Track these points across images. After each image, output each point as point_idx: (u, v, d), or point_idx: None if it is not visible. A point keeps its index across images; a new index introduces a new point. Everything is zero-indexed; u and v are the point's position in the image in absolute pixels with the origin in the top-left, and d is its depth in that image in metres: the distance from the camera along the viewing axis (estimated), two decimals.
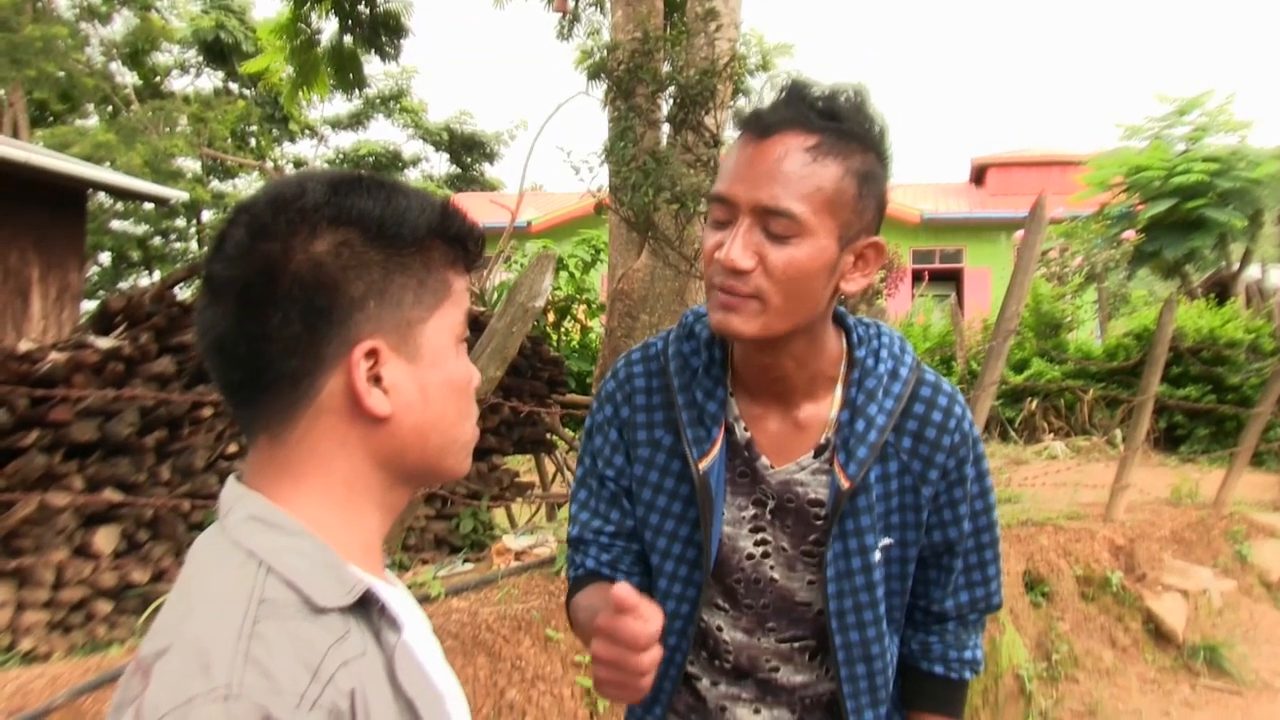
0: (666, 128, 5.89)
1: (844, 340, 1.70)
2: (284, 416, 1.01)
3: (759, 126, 1.50)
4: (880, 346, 1.70)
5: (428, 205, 1.06)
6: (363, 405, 1.00)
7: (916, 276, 25.13)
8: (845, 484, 1.61)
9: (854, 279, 1.57)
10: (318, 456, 1.01)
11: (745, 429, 1.68)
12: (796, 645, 1.75)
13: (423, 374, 1.04)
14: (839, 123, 1.49)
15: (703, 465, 1.65)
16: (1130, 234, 18.19)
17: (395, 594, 1.08)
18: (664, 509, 1.72)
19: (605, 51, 6.33)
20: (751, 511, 1.69)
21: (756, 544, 1.70)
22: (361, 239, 1.00)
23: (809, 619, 1.73)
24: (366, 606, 0.98)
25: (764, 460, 1.67)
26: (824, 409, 1.67)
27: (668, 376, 1.72)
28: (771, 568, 1.71)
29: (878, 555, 1.67)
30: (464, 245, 1.09)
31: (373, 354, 1.00)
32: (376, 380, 1.01)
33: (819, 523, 1.67)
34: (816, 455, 1.66)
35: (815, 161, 1.47)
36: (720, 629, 1.76)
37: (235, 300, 0.98)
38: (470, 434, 1.13)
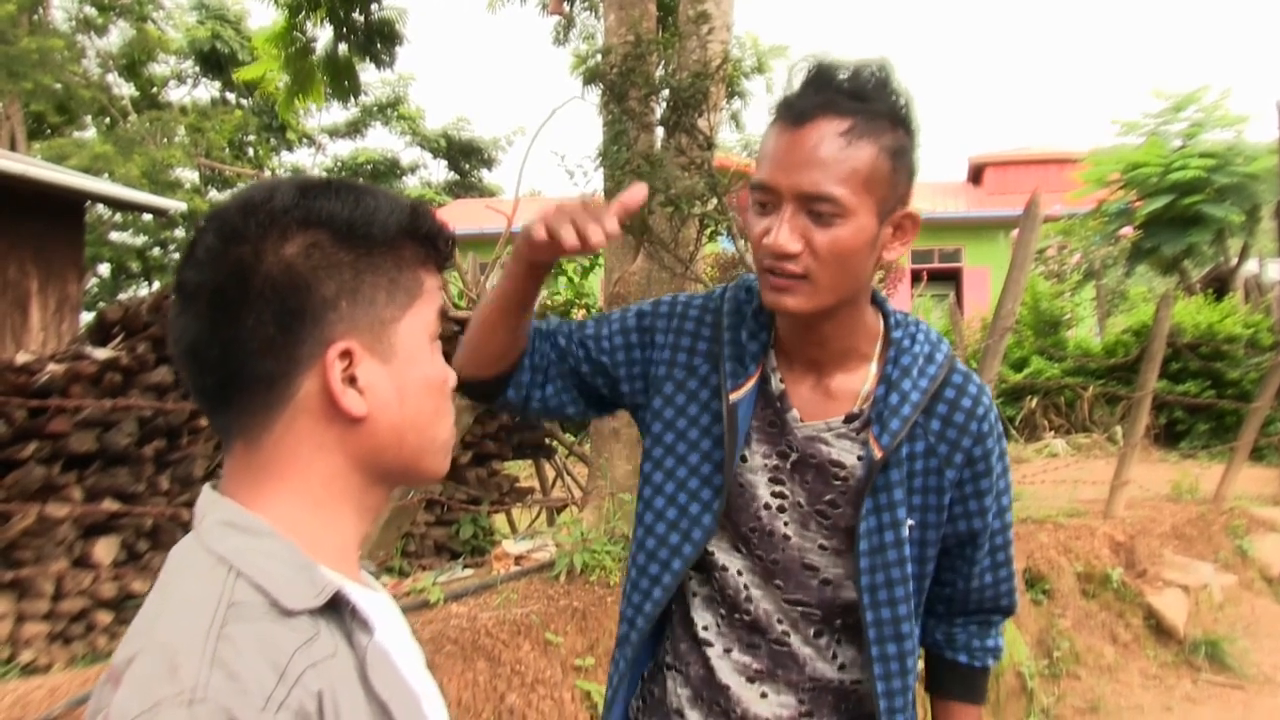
0: (660, 131, 5.89)
1: (881, 323, 1.77)
2: (259, 420, 1.01)
3: (792, 114, 1.57)
4: (918, 332, 1.77)
5: (397, 206, 1.06)
6: (339, 406, 1.00)
7: (915, 276, 25.11)
8: (878, 454, 1.67)
9: (894, 248, 1.66)
10: (294, 459, 1.01)
11: (781, 381, 1.74)
12: (800, 610, 1.76)
13: (398, 373, 1.04)
14: (868, 103, 1.56)
15: (734, 397, 1.71)
16: (1128, 230, 18.20)
17: (370, 596, 1.07)
18: (684, 433, 1.77)
19: (599, 56, 6.33)
20: (774, 462, 1.74)
21: (774, 495, 1.74)
22: (332, 240, 1.00)
23: (813, 585, 1.75)
24: (338, 608, 0.98)
25: (794, 413, 1.73)
26: (856, 381, 1.73)
27: (720, 316, 1.79)
28: (786, 523, 1.74)
29: (906, 531, 1.71)
30: (434, 244, 1.09)
31: (347, 354, 1.00)
32: (352, 381, 1.01)
33: (837, 483, 1.71)
34: (847, 422, 1.71)
35: (850, 145, 1.54)
36: (740, 573, 1.78)
37: (208, 305, 0.98)
38: (448, 433, 1.13)
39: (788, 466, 1.73)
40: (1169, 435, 12.34)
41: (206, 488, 1.04)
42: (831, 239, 1.54)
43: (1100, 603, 6.19)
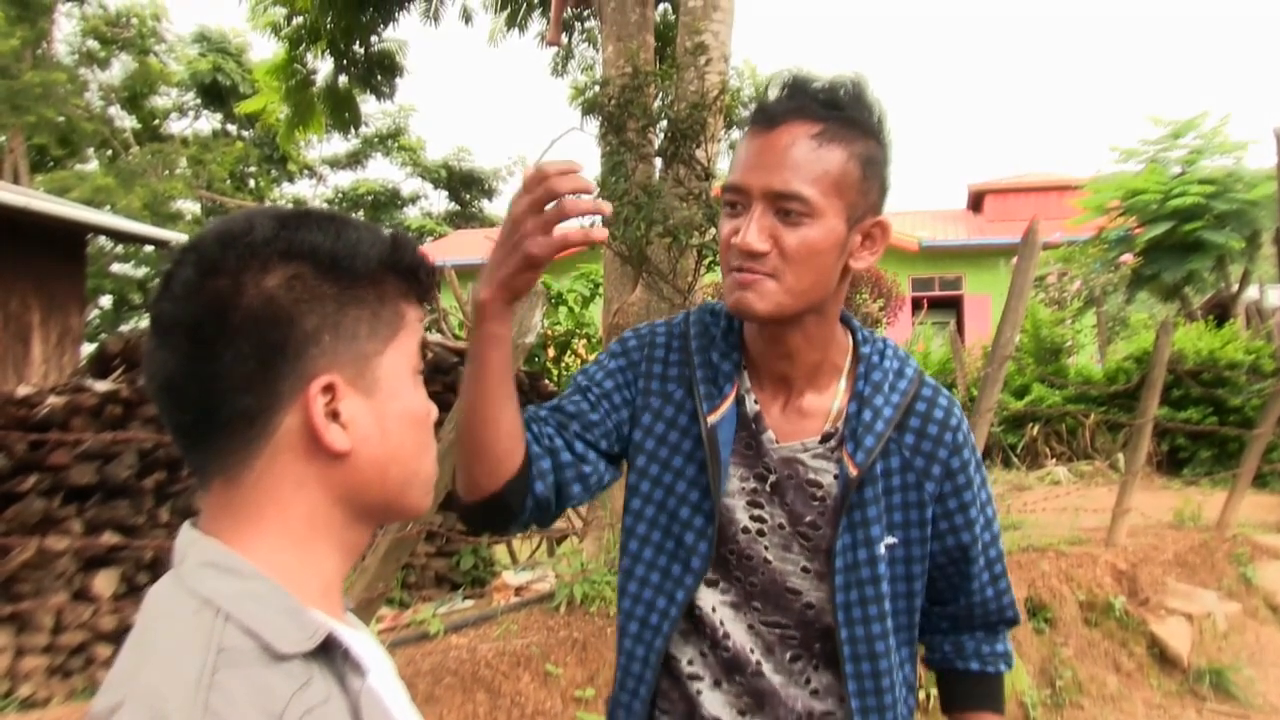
0: (659, 162, 5.91)
1: (850, 339, 1.78)
2: (239, 457, 0.97)
3: (765, 118, 1.60)
4: (886, 348, 1.78)
5: (378, 237, 1.04)
6: (321, 442, 0.97)
7: (916, 304, 25.12)
8: (854, 471, 1.66)
9: (862, 257, 1.66)
10: (275, 497, 0.98)
11: (755, 402, 1.73)
12: (778, 633, 1.75)
13: (380, 407, 1.02)
14: (840, 111, 1.59)
15: (712, 419, 1.70)
16: (1128, 257, 18.20)
17: (358, 637, 1.05)
18: (667, 462, 1.75)
19: (597, 87, 6.36)
20: (752, 485, 1.72)
21: (753, 519, 1.73)
22: (313, 272, 0.98)
23: (795, 609, 1.74)
24: (329, 651, 0.95)
25: (770, 434, 1.72)
26: (827, 400, 1.73)
27: (687, 340, 1.78)
28: (766, 547, 1.73)
29: (883, 550, 1.70)
30: (415, 276, 1.07)
31: (329, 389, 0.98)
32: (334, 416, 0.98)
33: (816, 504, 1.70)
34: (823, 441, 1.71)
35: (821, 147, 1.56)
36: (714, 609, 1.76)
37: (186, 339, 0.96)
38: (430, 467, 1.10)
39: (766, 489, 1.72)
40: (1171, 462, 12.31)
41: (186, 525, 1.01)
42: (800, 238, 1.56)
43: (1103, 631, 6.16)
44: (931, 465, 1.72)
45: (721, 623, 1.75)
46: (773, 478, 1.72)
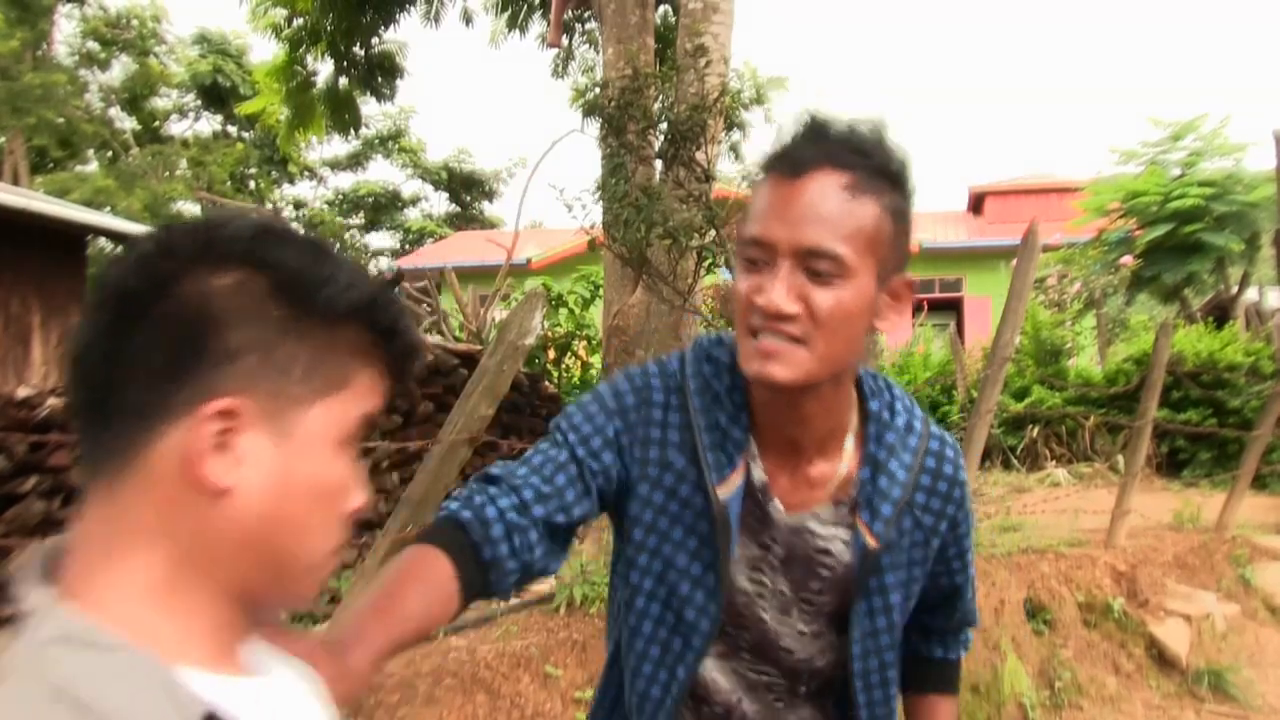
0: (659, 164, 5.93)
1: (854, 391, 1.66)
2: (121, 462, 0.85)
3: (789, 165, 1.44)
4: (894, 401, 1.67)
5: (357, 284, 0.92)
6: (197, 468, 0.84)
7: (916, 306, 25.12)
8: (873, 543, 1.59)
9: (888, 316, 1.52)
10: (146, 527, 0.85)
11: (764, 471, 1.61)
12: (765, 680, 1.70)
13: (287, 460, 0.88)
14: (868, 159, 1.44)
15: (722, 494, 1.57)
16: (1128, 259, 18.19)
17: (259, 686, 0.93)
18: (666, 534, 1.62)
19: (598, 89, 6.38)
20: (754, 552, 1.63)
21: (752, 583, 1.64)
22: (267, 288, 0.88)
23: (786, 663, 1.69)
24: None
25: (776, 503, 1.61)
26: (836, 463, 1.62)
27: (686, 397, 1.62)
28: (763, 610, 1.65)
29: (898, 616, 1.67)
30: (388, 340, 0.95)
31: (230, 414, 0.84)
32: (225, 448, 0.85)
33: (824, 572, 1.63)
34: (835, 507, 1.62)
35: (853, 199, 1.41)
36: (704, 668, 1.70)
37: (111, 311, 0.86)
38: (324, 557, 0.94)
39: (771, 559, 1.64)
40: (1171, 464, 12.29)
41: (36, 567, 0.88)
42: (834, 300, 1.41)
43: (1102, 633, 6.16)
44: (940, 522, 1.67)
45: (717, 680, 1.70)
46: (778, 548, 1.63)
